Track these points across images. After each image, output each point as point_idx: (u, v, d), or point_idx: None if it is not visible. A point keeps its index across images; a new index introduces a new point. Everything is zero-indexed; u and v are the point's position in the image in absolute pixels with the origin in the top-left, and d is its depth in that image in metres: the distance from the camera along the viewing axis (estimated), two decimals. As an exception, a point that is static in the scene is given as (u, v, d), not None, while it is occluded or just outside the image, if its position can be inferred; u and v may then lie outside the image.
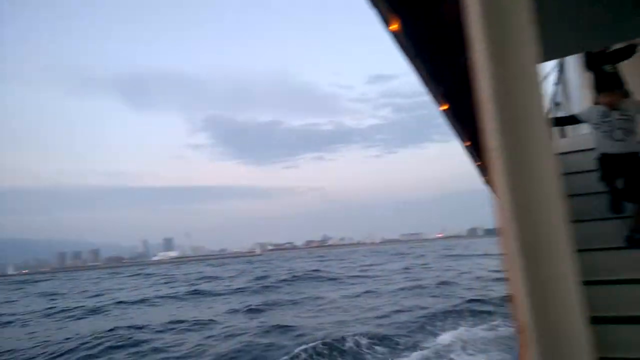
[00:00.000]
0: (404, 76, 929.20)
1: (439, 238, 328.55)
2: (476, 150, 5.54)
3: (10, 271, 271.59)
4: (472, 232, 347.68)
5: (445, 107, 3.97)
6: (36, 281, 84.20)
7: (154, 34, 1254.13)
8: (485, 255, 52.74)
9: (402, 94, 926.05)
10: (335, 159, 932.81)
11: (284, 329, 15.53)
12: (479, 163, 6.22)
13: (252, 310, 20.56)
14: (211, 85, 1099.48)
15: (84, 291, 41.74)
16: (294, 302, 22.45)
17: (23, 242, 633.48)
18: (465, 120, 4.43)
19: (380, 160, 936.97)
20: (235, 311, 20.87)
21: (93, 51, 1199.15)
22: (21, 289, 57.25)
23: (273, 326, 15.94)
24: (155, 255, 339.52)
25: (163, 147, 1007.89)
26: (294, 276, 37.20)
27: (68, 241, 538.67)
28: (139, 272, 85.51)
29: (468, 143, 5.36)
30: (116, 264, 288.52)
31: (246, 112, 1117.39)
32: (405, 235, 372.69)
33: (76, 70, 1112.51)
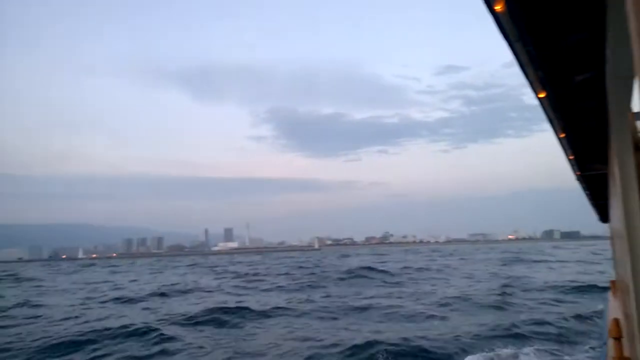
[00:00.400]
0: (476, 67, 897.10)
1: (510, 240, 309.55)
2: (571, 142, 5.14)
3: (80, 255, 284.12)
4: (548, 235, 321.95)
5: (543, 94, 3.63)
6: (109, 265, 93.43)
7: (224, 27, 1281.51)
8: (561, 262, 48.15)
9: (474, 86, 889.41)
10: (400, 153, 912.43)
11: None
12: (572, 157, 5.83)
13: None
14: (275, 76, 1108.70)
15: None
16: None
17: (93, 228, 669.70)
18: (563, 109, 4.17)
19: (448, 155, 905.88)
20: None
21: (167, 46, 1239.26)
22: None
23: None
24: (215, 245, 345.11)
25: (226, 138, 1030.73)
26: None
27: (135, 228, 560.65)
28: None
29: (562, 135, 4.85)
30: (178, 252, 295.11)
31: (309, 104, 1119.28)
32: (473, 235, 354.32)
33: (150, 64, 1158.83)
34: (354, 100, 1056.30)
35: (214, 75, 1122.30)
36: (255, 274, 45.11)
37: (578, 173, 6.74)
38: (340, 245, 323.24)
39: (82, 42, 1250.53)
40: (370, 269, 41.58)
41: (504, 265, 46.93)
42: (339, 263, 58.37)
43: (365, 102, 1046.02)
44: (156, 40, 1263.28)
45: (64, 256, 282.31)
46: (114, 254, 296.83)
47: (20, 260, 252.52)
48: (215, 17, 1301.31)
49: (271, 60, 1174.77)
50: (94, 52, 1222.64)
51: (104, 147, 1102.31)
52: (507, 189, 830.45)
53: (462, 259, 61.45)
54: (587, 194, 9.23)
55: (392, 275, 36.86)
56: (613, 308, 8.50)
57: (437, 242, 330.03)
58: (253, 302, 22.65)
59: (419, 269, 42.79)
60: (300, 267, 53.00)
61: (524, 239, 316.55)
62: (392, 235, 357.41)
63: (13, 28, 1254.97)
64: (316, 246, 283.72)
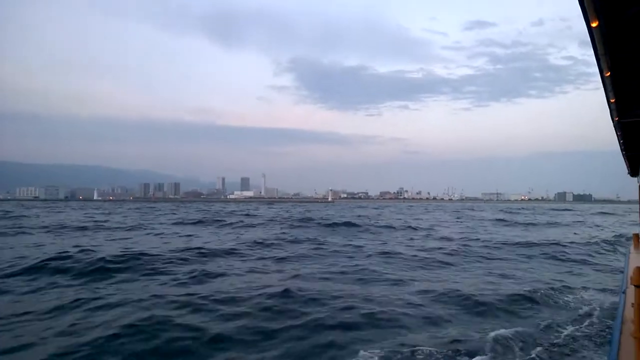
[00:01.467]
0: (505, 24, 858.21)
1: (523, 200, 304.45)
2: (617, 83, 4.89)
3: (95, 197, 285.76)
4: (561, 197, 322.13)
5: (595, 23, 3.48)
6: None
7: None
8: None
9: (501, 44, 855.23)
10: (421, 110, 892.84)
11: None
12: (613, 100, 5.54)
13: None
14: (299, 25, 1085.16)
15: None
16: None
17: (113, 170, 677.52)
18: (614, 43, 4.01)
19: (470, 113, 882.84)
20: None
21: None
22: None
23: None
24: (231, 194, 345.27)
25: (248, 86, 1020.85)
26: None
27: (154, 173, 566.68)
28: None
29: (608, 73, 4.60)
30: (194, 198, 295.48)
31: (333, 55, 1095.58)
32: (486, 194, 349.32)
33: (172, 6, 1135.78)
34: (379, 53, 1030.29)
35: (237, 21, 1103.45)
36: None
37: (616, 119, 6.52)
38: (355, 199, 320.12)
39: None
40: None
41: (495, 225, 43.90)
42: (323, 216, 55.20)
43: (389, 55, 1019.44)
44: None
45: (80, 197, 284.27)
46: (130, 197, 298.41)
47: (36, 198, 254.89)
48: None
49: (296, 8, 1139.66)
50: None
51: (128, 91, 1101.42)
52: (524, 150, 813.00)
53: (458, 218, 58.44)
54: (621, 144, 8.89)
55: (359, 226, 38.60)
56: (635, 259, 8.84)
57: (450, 199, 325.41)
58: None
59: (389, 227, 39.14)
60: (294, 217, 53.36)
61: (536, 199, 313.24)
62: (406, 191, 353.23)
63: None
64: (330, 199, 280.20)
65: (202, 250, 19.51)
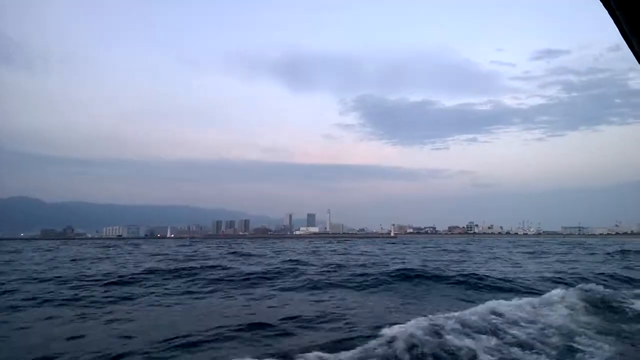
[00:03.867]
0: (578, 51, 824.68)
1: (609, 234, 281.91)
2: None
3: (168, 234, 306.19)
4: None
5: None
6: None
7: (315, 18, 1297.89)
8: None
9: (575, 71, 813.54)
10: (490, 142, 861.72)
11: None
12: None
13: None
14: (364, 65, 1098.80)
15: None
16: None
17: (189, 209, 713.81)
18: None
19: (543, 143, 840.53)
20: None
21: (263, 38, 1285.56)
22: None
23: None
24: (297, 230, 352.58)
25: (315, 126, 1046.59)
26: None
27: (225, 210, 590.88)
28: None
29: None
30: (262, 235, 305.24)
31: (398, 92, 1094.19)
32: (567, 228, 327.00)
33: (248, 57, 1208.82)
34: (444, 88, 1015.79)
35: (305, 66, 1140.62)
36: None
37: None
38: (421, 234, 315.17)
39: (186, 38, 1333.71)
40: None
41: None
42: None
43: (455, 89, 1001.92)
44: (252, 33, 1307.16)
45: (158, 235, 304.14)
46: (194, 235, 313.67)
47: (119, 237, 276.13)
48: (307, 8, 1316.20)
49: (362, 50, 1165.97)
50: (199, 47, 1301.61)
51: (208, 135, 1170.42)
52: (608, 180, 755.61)
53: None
54: None
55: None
56: None
57: (525, 234, 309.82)
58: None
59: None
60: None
61: (625, 233, 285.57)
62: (476, 225, 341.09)
63: (127, 25, 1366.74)
64: (392, 234, 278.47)
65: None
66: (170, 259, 38.86)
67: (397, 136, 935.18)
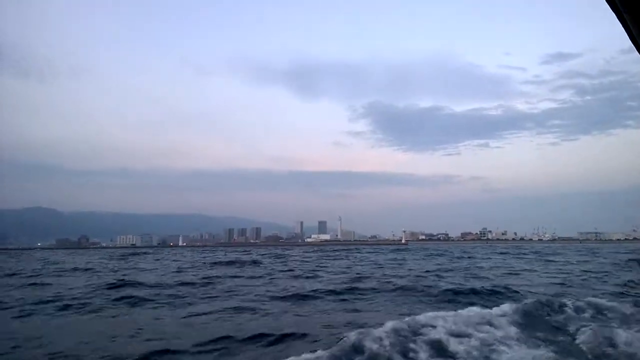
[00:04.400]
0: (589, 54, 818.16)
1: (627, 240, 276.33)
2: None
3: (180, 243, 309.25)
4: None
5: None
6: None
7: (323, 24, 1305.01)
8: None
9: (587, 75, 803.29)
10: (502, 147, 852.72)
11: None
12: None
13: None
14: (373, 72, 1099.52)
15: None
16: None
17: (201, 217, 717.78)
18: None
19: (557, 148, 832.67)
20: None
21: (269, 45, 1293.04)
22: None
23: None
24: (308, 237, 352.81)
25: (325, 134, 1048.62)
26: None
27: (237, 218, 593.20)
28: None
29: None
30: (274, 243, 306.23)
31: (407, 98, 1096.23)
32: (583, 233, 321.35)
33: (254, 63, 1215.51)
34: (454, 93, 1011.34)
35: (314, 73, 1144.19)
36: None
37: None
38: (434, 240, 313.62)
39: (194, 43, 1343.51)
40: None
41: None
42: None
43: (465, 94, 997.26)
44: (258, 39, 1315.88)
45: (171, 244, 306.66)
46: (204, 243, 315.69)
47: (133, 246, 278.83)
48: (314, 15, 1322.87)
49: (369, 57, 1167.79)
50: (204, 52, 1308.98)
51: (217, 144, 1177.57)
52: (625, 184, 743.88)
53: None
54: None
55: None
56: None
57: (540, 239, 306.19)
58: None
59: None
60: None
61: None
62: (490, 231, 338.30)
63: (135, 32, 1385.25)
64: (403, 240, 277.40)
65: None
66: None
67: (407, 142, 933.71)
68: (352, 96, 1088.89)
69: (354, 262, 45.89)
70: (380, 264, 41.08)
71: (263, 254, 71.28)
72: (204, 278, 26.48)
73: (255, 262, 43.64)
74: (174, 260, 53.56)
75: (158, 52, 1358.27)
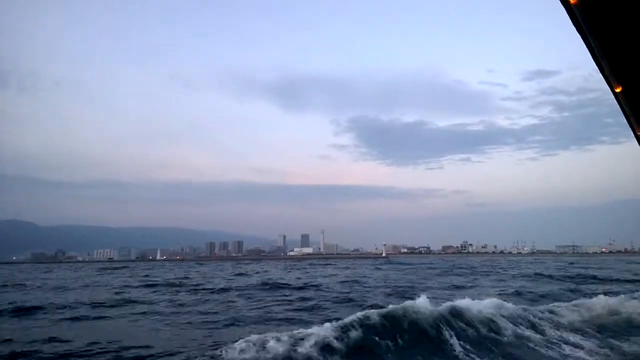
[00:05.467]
0: (568, 71, 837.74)
1: (604, 253, 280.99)
2: None
3: (157, 256, 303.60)
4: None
5: (619, 89, 3.76)
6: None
7: (307, 39, 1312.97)
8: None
9: (565, 92, 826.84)
10: (484, 161, 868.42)
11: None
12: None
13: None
14: (357, 86, 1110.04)
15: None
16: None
17: (182, 231, 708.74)
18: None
19: (536, 163, 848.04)
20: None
21: (255, 58, 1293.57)
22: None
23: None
24: (291, 250, 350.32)
25: (309, 147, 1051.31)
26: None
27: (220, 232, 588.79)
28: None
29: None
30: (256, 256, 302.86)
31: (391, 112, 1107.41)
32: (561, 246, 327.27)
33: (241, 77, 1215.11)
34: (437, 108, 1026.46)
35: (299, 86, 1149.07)
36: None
37: None
38: (415, 253, 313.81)
39: (181, 57, 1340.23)
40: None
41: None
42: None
43: (448, 109, 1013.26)
44: (244, 52, 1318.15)
45: (150, 257, 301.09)
46: (184, 257, 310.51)
47: (110, 260, 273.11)
48: (300, 29, 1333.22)
49: (355, 71, 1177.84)
50: (190, 66, 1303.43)
51: (201, 156, 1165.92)
52: (602, 198, 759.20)
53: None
54: None
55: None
56: None
57: (519, 252, 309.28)
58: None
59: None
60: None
61: (618, 252, 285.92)
62: (470, 244, 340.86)
63: (120, 44, 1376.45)
64: (383, 254, 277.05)
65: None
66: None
67: (391, 156, 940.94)
68: (337, 110, 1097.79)
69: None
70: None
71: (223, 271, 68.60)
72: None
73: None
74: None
75: (146, 67, 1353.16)
